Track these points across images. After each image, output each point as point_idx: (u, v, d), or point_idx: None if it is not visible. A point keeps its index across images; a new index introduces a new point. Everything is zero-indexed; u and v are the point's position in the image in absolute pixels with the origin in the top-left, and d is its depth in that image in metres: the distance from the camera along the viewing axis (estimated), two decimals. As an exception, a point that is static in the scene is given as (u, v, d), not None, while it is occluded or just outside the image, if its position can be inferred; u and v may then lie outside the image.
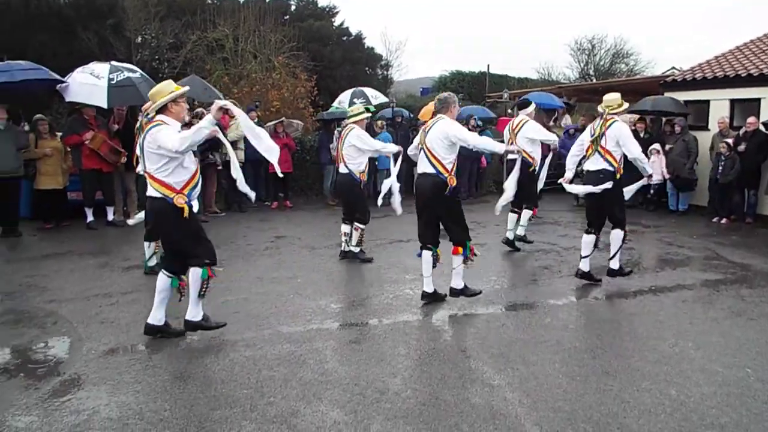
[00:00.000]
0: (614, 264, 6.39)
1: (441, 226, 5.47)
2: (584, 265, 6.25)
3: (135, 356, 4.27)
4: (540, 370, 4.08)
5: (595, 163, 6.10)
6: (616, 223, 6.25)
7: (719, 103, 10.96)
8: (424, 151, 5.32)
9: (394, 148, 6.98)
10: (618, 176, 6.02)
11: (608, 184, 5.94)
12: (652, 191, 11.32)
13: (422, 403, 3.59)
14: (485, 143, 5.53)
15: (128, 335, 4.67)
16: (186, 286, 4.52)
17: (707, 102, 11.27)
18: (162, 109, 4.33)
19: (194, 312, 4.52)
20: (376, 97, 13.16)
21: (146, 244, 6.34)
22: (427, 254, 5.45)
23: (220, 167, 10.33)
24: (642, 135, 11.24)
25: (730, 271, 6.88)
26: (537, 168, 7.65)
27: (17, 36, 15.46)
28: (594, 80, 28.14)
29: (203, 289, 4.46)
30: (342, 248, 7.24)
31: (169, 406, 3.53)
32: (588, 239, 6.21)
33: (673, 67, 16.17)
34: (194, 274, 4.42)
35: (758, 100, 10.21)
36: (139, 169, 5.96)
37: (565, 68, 33.88)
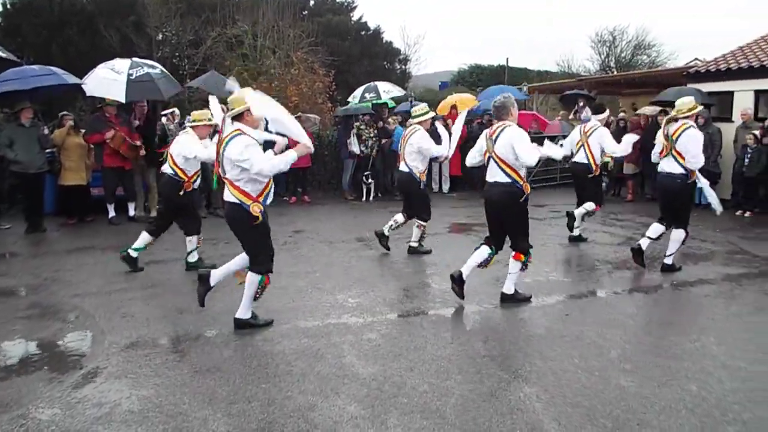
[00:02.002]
0: (668, 260, 6.42)
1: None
2: (643, 243, 6.50)
3: (155, 350, 4.33)
4: (558, 365, 4.05)
5: (669, 165, 6.24)
6: (678, 222, 6.35)
7: (743, 94, 10.74)
8: (495, 160, 5.15)
9: (444, 150, 7.04)
10: (690, 179, 6.23)
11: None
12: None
13: (439, 398, 3.59)
14: (546, 151, 5.34)
15: (149, 329, 4.74)
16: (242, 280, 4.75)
17: (731, 93, 11.05)
18: (239, 117, 4.47)
19: (244, 312, 4.73)
20: (387, 91, 13.07)
21: (188, 239, 6.49)
22: (485, 249, 5.42)
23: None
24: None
25: (753, 266, 6.75)
26: (599, 173, 7.86)
27: (42, 35, 15.74)
28: (615, 72, 27.74)
29: (258, 294, 4.70)
30: (382, 229, 7.26)
31: (188, 400, 3.58)
32: (657, 227, 6.47)
33: (696, 58, 15.86)
34: (252, 278, 4.64)
35: (785, 91, 9.99)
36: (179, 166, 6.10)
37: (586, 60, 33.47)
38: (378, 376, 3.90)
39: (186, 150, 6.07)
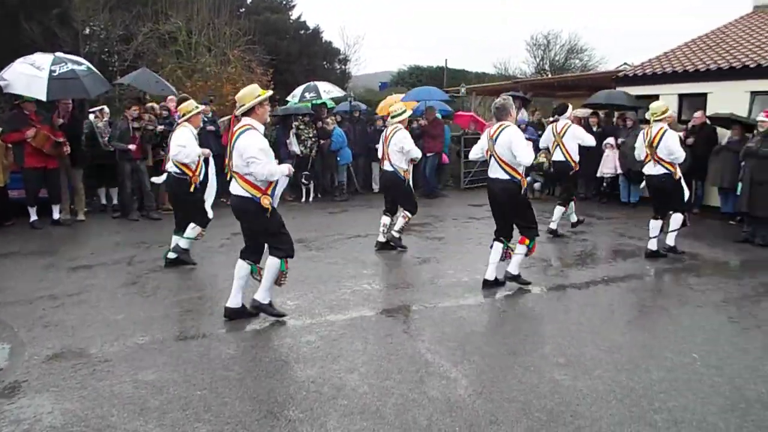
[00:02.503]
0: (671, 241, 7.23)
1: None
2: (651, 245, 7.16)
3: (81, 361, 4.10)
4: (496, 361, 4.12)
5: (653, 169, 7.00)
6: (676, 209, 7.13)
7: (668, 97, 11.25)
8: (495, 158, 5.64)
9: (419, 154, 7.35)
10: (677, 177, 6.94)
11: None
12: (605, 184, 11.59)
13: (379, 398, 3.57)
14: (527, 156, 5.54)
15: (74, 339, 4.49)
16: (261, 272, 4.85)
17: (657, 96, 11.54)
18: (248, 112, 4.64)
19: (263, 295, 4.83)
20: (328, 91, 13.01)
21: (175, 237, 6.61)
22: (498, 245, 5.86)
23: (172, 163, 10.06)
24: (595, 129, 11.48)
25: (678, 261, 7.09)
26: (578, 169, 8.38)
27: (-45, 26, 14.68)
28: (549, 75, 28.63)
29: (281, 280, 4.81)
30: (378, 239, 7.46)
31: (117, 412, 3.41)
32: (655, 224, 7.14)
33: (625, 63, 16.55)
34: (273, 263, 4.74)
35: (705, 94, 10.56)
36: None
37: (522, 63, 34.41)
38: (317, 378, 3.84)
39: (178, 147, 6.11)
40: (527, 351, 4.31)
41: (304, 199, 11.56)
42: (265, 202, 4.62)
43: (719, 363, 4.13)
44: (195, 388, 3.70)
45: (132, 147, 8.98)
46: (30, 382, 3.77)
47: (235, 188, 4.68)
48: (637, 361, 4.13)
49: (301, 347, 4.36)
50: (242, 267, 4.84)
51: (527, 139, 12.81)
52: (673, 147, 6.80)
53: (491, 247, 5.91)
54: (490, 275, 5.83)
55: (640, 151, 7.26)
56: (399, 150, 7.07)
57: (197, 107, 6.48)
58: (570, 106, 8.54)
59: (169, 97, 10.55)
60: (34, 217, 8.58)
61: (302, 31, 23.96)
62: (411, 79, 26.00)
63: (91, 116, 9.61)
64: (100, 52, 16.09)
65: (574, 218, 8.59)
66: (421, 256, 7.13)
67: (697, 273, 6.57)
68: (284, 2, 24.55)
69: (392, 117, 7.34)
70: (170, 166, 6.37)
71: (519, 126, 13.35)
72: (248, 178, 4.59)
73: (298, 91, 13.10)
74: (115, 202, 9.95)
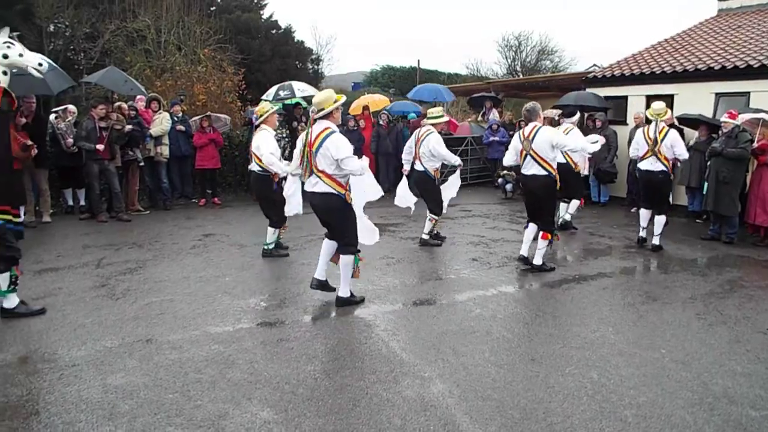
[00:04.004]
0: (656, 240, 7.62)
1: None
2: (643, 233, 7.85)
3: (48, 365, 4.00)
4: (470, 360, 4.14)
5: (652, 164, 7.40)
6: (661, 209, 7.57)
7: (636, 98, 11.51)
8: (532, 156, 6.24)
9: (458, 160, 7.77)
10: (671, 174, 7.54)
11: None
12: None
13: (354, 399, 3.56)
14: (582, 145, 6.65)
15: (40, 343, 4.38)
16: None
17: (625, 98, 11.80)
18: (326, 115, 4.99)
19: (345, 290, 5.25)
20: (303, 90, 12.92)
21: (270, 230, 6.99)
22: (532, 226, 6.57)
23: (141, 164, 9.89)
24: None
25: (646, 258, 7.25)
26: (582, 168, 8.80)
27: None
28: (521, 76, 28.97)
29: (357, 272, 5.26)
30: (422, 236, 7.92)
31: (86, 417, 3.33)
32: (645, 213, 7.78)
33: (594, 64, 16.86)
34: (347, 261, 5.15)
35: (672, 96, 10.80)
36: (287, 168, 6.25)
37: (494, 64, 34.78)
38: (291, 379, 3.82)
39: (260, 151, 6.48)
40: (501, 349, 4.35)
41: (277, 200, 11.46)
42: (349, 197, 5.06)
43: (686, 359, 4.23)
44: (166, 391, 3.64)
45: (100, 147, 8.78)
46: (-6, 388, 3.66)
47: (320, 186, 4.99)
48: (607, 358, 4.21)
49: (275, 349, 4.32)
50: (329, 244, 5.31)
51: (499, 141, 12.94)
52: (678, 145, 7.28)
53: (525, 228, 6.64)
54: (525, 251, 6.58)
55: (638, 146, 7.61)
56: (428, 153, 7.41)
57: (272, 107, 6.76)
58: (578, 113, 8.74)
59: (138, 97, 10.36)
60: (-4, 219, 8.32)
61: (274, 31, 23.81)
62: (384, 79, 26.06)
63: (52, 116, 9.35)
64: (65, 49, 15.77)
65: (568, 217, 8.86)
66: (395, 257, 7.14)
67: (665, 270, 6.72)
68: (255, 1, 24.36)
69: (428, 118, 7.65)
70: (253, 166, 6.73)
71: (491, 126, 13.54)
72: (334, 176, 4.93)
73: (273, 90, 12.98)
74: (82, 203, 9.73)
